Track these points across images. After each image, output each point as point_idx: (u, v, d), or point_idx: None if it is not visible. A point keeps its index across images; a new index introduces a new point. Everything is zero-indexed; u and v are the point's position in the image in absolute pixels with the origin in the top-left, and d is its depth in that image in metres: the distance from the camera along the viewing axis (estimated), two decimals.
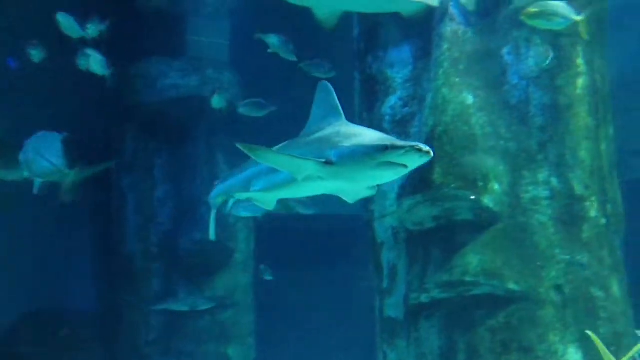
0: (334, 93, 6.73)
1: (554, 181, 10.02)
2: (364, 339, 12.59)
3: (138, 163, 15.74)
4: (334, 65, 12.51)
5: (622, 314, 9.93)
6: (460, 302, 9.85)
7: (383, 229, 10.79)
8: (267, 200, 7.17)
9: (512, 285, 9.76)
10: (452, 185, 9.79)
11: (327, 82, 6.90)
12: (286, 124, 8.11)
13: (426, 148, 5.79)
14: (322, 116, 6.55)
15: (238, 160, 7.59)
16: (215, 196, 8.34)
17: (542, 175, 10.03)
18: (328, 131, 6.18)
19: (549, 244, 9.89)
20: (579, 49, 10.30)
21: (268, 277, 14.70)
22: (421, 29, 10.80)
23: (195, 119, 15.62)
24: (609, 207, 10.17)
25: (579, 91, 10.18)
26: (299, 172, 6.01)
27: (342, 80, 11.13)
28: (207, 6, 16.10)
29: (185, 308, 14.81)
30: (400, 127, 10.66)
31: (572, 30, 10.38)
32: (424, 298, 10.09)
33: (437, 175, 9.88)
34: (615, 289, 9.95)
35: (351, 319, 16.61)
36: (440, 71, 10.45)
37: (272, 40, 11.97)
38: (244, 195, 7.50)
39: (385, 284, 10.73)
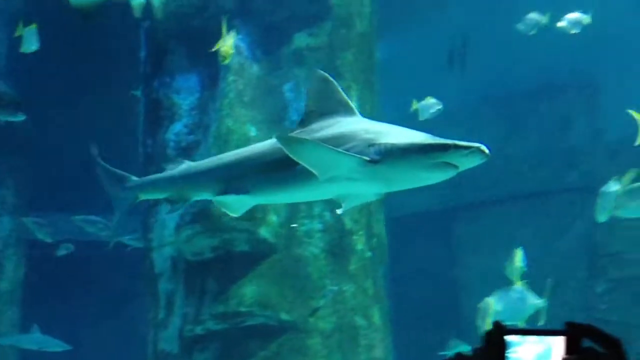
0: (337, 84, 5.21)
1: (327, 215, 9.17)
2: None
3: None
4: (119, 85, 10.89)
5: (382, 340, 9.26)
6: (235, 333, 8.65)
7: (162, 258, 9.30)
8: (238, 205, 5.43)
9: (284, 316, 8.76)
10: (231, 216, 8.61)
11: (322, 71, 5.32)
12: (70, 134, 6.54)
13: (487, 150, 4.48)
14: (324, 111, 5.02)
15: None
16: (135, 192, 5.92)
17: (316, 209, 9.13)
18: (348, 127, 4.75)
19: (320, 275, 9.00)
20: (353, 94, 9.61)
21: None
22: (209, 58, 9.57)
23: None
24: (374, 240, 9.49)
25: None
26: (332, 171, 4.56)
27: (126, 102, 9.64)
28: None
29: None
30: (185, 154, 9.31)
31: (348, 74, 9.72)
32: (199, 330, 8.79)
33: (216, 206, 8.68)
34: (377, 317, 9.27)
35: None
36: (226, 101, 9.29)
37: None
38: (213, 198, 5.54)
39: (161, 316, 9.28)
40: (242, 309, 8.63)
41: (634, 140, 11.56)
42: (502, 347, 1.57)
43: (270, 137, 9.21)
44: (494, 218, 12.36)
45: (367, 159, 4.46)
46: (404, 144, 4.43)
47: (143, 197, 5.88)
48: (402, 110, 11.96)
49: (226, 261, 8.80)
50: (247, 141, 9.10)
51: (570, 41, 11.07)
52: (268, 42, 9.66)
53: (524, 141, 12.70)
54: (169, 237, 9.20)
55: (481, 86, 12.21)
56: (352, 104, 5.08)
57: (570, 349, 1.55)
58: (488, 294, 7.51)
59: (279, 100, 9.52)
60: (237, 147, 8.89)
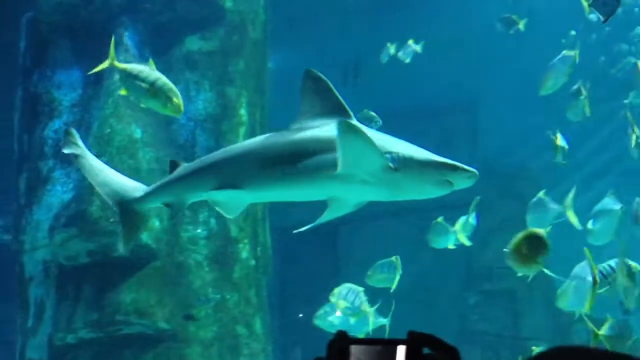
0: (331, 84, 4.73)
1: (213, 222, 8.49)
2: None
3: None
4: None
5: (262, 350, 8.67)
6: (110, 342, 7.82)
7: (33, 262, 8.27)
8: (234, 203, 4.77)
9: (162, 324, 8.00)
10: (110, 220, 7.76)
11: (315, 70, 4.80)
12: None
13: (477, 174, 4.48)
14: (319, 111, 4.62)
15: None
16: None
17: (202, 216, 8.44)
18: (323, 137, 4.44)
19: (202, 283, 8.31)
20: (243, 100, 9.03)
21: None
22: (94, 54, 8.70)
23: None
24: (259, 249, 8.88)
25: (240, 139, 8.84)
26: (358, 168, 4.25)
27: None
28: None
29: None
30: (63, 153, 8.41)
31: (239, 80, 9.12)
32: (70, 339, 7.86)
33: (95, 208, 7.82)
34: (258, 326, 8.67)
35: None
36: (110, 100, 8.46)
37: None
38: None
39: (30, 323, 8.24)
40: (118, 317, 7.81)
41: (510, 158, 11.62)
42: (346, 356, 1.57)
43: (158, 140, 8.60)
44: (376, 232, 12.04)
45: (391, 165, 4.31)
46: (422, 157, 4.39)
47: (149, 205, 5.09)
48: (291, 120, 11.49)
49: (103, 267, 7.95)
50: (132, 143, 8.33)
51: (452, 63, 10.95)
52: (158, 42, 8.93)
53: None
54: (42, 240, 8.23)
55: (372, 103, 11.92)
56: (347, 107, 4.70)
57: (410, 357, 1.58)
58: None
59: None
60: (120, 148, 8.16)
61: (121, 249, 5.21)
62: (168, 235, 8.24)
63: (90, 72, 6.46)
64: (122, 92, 5.80)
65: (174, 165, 4.92)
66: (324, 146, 4.35)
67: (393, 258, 6.94)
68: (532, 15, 10.45)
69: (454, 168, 4.38)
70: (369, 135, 4.22)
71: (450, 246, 7.27)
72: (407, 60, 9.67)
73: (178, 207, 4.99)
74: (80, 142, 5.24)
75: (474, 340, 10.96)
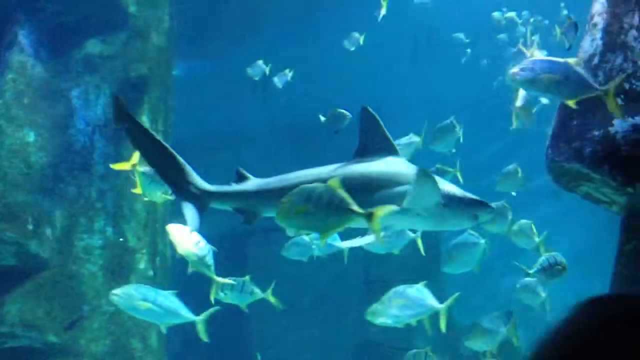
0: (381, 121, 5.11)
1: (109, 231, 8.10)
2: None
3: None
4: None
5: None
6: None
7: None
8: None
9: (51, 338, 7.53)
10: None
11: (370, 108, 5.10)
12: None
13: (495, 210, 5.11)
14: (374, 147, 5.06)
15: None
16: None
17: (98, 224, 8.03)
18: (404, 167, 4.94)
19: (95, 294, 7.88)
20: (146, 107, 8.72)
21: None
22: None
23: None
24: (158, 260, 8.54)
25: None
26: (422, 204, 4.71)
27: None
28: None
29: None
30: None
31: (142, 86, 8.81)
32: None
33: None
34: (154, 339, 8.30)
35: None
36: (1, 101, 7.97)
37: None
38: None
39: None
40: (3, 329, 7.28)
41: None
42: None
43: (53, 144, 8.14)
44: (281, 243, 11.89)
45: (442, 201, 4.75)
46: (462, 195, 4.88)
47: (212, 205, 4.99)
48: (200, 128, 11.22)
49: None
50: (24, 146, 7.86)
51: (357, 75, 11.02)
52: (56, 43, 8.49)
53: None
54: None
55: (282, 114, 11.82)
56: (393, 143, 5.17)
57: None
58: (278, 318, 6.88)
59: (65, 106, 8.36)
60: (11, 151, 7.69)
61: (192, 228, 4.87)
62: (61, 244, 7.79)
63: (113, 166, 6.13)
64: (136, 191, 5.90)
65: (240, 175, 5.06)
66: (392, 181, 4.82)
67: (246, 277, 6.74)
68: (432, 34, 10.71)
69: (484, 205, 4.93)
70: (438, 179, 4.79)
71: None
72: (280, 86, 9.89)
73: (252, 217, 5.12)
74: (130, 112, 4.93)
75: (372, 353, 10.98)
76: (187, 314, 5.84)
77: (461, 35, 11.02)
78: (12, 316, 7.38)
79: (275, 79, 9.95)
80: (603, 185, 4.37)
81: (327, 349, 11.03)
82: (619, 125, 4.18)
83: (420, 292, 6.15)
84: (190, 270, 5.65)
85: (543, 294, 7.10)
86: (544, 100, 8.54)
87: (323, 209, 4.20)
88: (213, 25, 11.57)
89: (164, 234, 8.61)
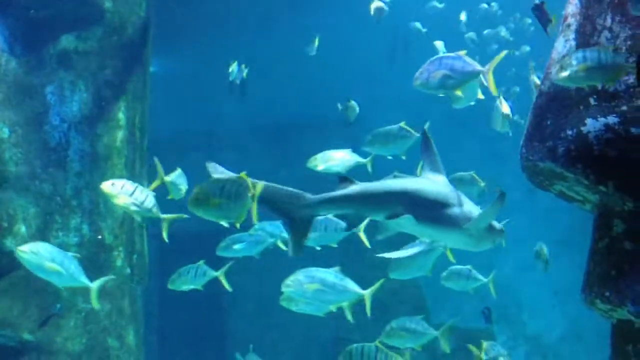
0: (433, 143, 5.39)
1: (85, 228, 8.05)
2: None
3: None
4: None
5: None
6: None
7: None
8: (392, 230, 5.15)
9: (26, 336, 7.48)
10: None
11: (428, 132, 5.32)
12: None
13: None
14: (429, 166, 5.35)
15: None
16: None
17: (74, 222, 7.98)
18: (452, 188, 5.23)
19: (71, 292, 7.83)
20: (122, 104, 8.67)
21: None
22: None
23: None
24: (135, 257, 8.50)
25: (117, 143, 8.46)
26: (484, 225, 5.01)
27: None
28: None
29: None
30: None
31: (118, 82, 8.75)
32: None
33: None
34: (131, 337, 8.28)
35: None
36: None
37: None
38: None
39: None
40: None
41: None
42: None
43: (28, 141, 8.08)
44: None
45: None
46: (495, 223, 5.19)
47: (320, 214, 5.10)
48: (176, 126, 11.19)
49: None
50: None
51: (335, 79, 11.06)
52: (31, 38, 8.41)
53: (292, 169, 12.48)
54: None
55: (257, 114, 11.83)
56: (441, 165, 5.40)
57: None
58: (251, 313, 6.90)
59: (39, 102, 8.29)
60: None
61: (291, 253, 4.92)
62: (35, 241, 7.72)
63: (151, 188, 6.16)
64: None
65: (343, 180, 5.10)
66: (459, 201, 5.11)
67: (200, 262, 6.81)
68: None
69: (503, 231, 5.23)
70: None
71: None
72: (237, 82, 9.99)
73: (356, 222, 5.35)
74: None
75: (343, 349, 11.04)
76: (85, 280, 5.92)
77: (439, 45, 11.13)
78: None
79: (234, 76, 10.04)
80: (576, 184, 4.45)
81: (304, 346, 11.07)
82: (591, 125, 4.25)
83: (339, 278, 6.14)
84: (137, 220, 5.78)
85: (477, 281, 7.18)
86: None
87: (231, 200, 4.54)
88: (190, 23, 11.53)
89: (142, 231, 8.61)
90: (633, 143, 4.15)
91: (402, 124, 7.20)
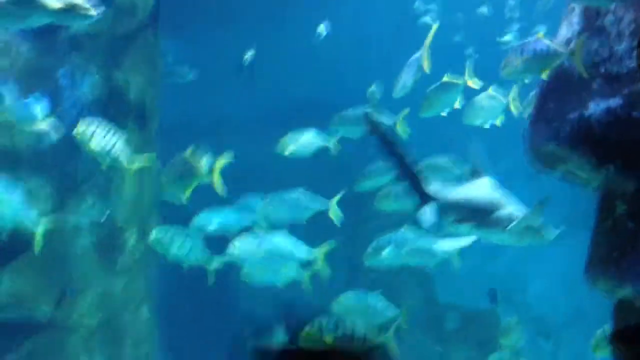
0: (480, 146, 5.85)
1: (98, 209, 8.24)
2: None
3: None
4: None
5: (148, 337, 8.54)
6: None
7: None
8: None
9: (43, 312, 7.70)
10: None
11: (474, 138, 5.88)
12: None
13: None
14: (473, 169, 5.80)
15: None
16: None
17: (87, 202, 8.17)
18: (495, 193, 5.66)
19: (86, 270, 8.05)
20: (132, 86, 8.85)
21: None
22: None
23: None
24: (147, 238, 8.69)
25: (130, 124, 8.63)
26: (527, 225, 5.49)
27: None
28: None
29: None
30: None
31: (129, 64, 8.88)
32: None
33: None
34: (145, 313, 8.53)
35: None
36: None
37: None
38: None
39: None
40: None
41: None
42: None
43: None
44: None
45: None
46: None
47: None
48: (187, 109, 11.32)
49: None
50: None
51: (344, 59, 11.14)
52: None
53: None
54: None
55: (268, 97, 11.91)
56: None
57: None
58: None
59: (51, 86, 8.42)
60: None
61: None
62: (52, 221, 7.92)
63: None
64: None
65: (474, 172, 5.66)
66: (504, 203, 5.57)
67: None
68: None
69: (543, 230, 5.67)
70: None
71: None
72: (247, 65, 10.12)
73: None
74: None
75: None
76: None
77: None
78: (4, 291, 7.53)
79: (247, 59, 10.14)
80: (579, 166, 4.56)
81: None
82: (593, 108, 4.37)
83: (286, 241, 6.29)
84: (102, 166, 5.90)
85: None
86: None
87: None
88: (200, 5, 11.61)
89: (153, 212, 8.79)
90: (635, 126, 4.26)
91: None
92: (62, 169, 8.14)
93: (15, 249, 7.69)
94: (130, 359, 8.15)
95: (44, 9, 5.28)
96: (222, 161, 6.06)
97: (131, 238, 8.44)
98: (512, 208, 5.48)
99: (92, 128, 5.86)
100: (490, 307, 11.20)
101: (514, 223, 5.36)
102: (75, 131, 5.55)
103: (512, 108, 7.63)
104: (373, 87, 8.41)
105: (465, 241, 6.54)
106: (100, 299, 8.09)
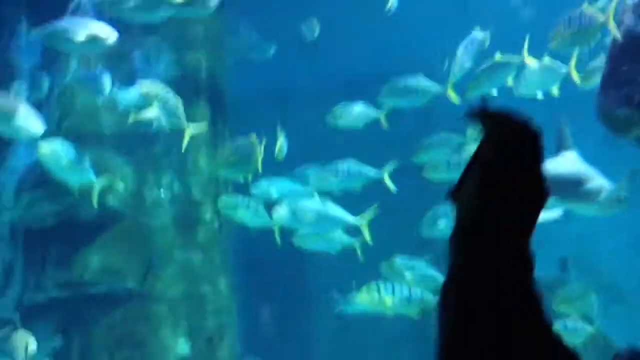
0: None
1: (176, 185, 8.62)
2: None
3: None
4: None
5: (227, 306, 8.92)
6: (79, 301, 7.95)
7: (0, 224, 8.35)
8: None
9: (130, 284, 8.16)
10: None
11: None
12: None
13: None
14: (560, 145, 6.15)
15: None
16: None
17: (165, 179, 8.55)
18: (583, 167, 6.09)
19: (167, 244, 8.47)
20: (203, 67, 9.14)
21: None
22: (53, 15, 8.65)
23: None
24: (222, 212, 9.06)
25: (201, 102, 8.97)
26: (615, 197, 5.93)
27: None
28: None
29: None
30: None
31: (200, 46, 9.18)
32: (40, 298, 7.96)
33: None
34: (223, 285, 8.90)
35: None
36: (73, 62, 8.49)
37: None
38: None
39: None
40: (87, 277, 7.92)
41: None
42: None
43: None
44: None
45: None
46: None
47: None
48: (255, 84, 11.60)
49: (70, 228, 8.02)
50: (95, 108, 8.36)
51: (410, 28, 11.16)
52: None
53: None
54: (7, 203, 8.23)
55: (333, 68, 12.04)
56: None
57: None
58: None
59: (127, 68, 8.80)
60: (83, 113, 8.19)
61: None
62: (133, 198, 8.34)
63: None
64: None
65: (561, 147, 6.04)
66: (591, 176, 5.96)
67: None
68: None
69: (627, 200, 6.03)
70: None
71: None
72: (311, 38, 10.18)
73: None
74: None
75: None
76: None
77: None
78: (94, 265, 8.01)
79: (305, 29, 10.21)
80: None
81: None
82: None
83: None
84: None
85: None
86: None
87: None
88: None
89: (227, 188, 9.13)
90: None
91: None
92: (144, 148, 8.52)
93: (103, 225, 8.16)
94: (212, 328, 8.54)
95: (170, 3, 5.76)
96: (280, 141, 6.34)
97: (207, 212, 8.80)
98: (599, 181, 5.68)
99: (154, 90, 6.30)
100: (560, 274, 11.20)
101: (607, 194, 5.58)
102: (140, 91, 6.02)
103: (574, 76, 7.49)
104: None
105: (551, 214, 6.63)
106: (181, 271, 8.50)
